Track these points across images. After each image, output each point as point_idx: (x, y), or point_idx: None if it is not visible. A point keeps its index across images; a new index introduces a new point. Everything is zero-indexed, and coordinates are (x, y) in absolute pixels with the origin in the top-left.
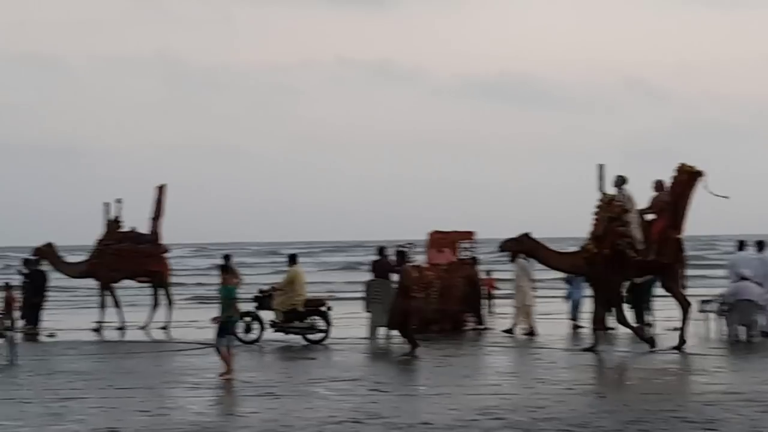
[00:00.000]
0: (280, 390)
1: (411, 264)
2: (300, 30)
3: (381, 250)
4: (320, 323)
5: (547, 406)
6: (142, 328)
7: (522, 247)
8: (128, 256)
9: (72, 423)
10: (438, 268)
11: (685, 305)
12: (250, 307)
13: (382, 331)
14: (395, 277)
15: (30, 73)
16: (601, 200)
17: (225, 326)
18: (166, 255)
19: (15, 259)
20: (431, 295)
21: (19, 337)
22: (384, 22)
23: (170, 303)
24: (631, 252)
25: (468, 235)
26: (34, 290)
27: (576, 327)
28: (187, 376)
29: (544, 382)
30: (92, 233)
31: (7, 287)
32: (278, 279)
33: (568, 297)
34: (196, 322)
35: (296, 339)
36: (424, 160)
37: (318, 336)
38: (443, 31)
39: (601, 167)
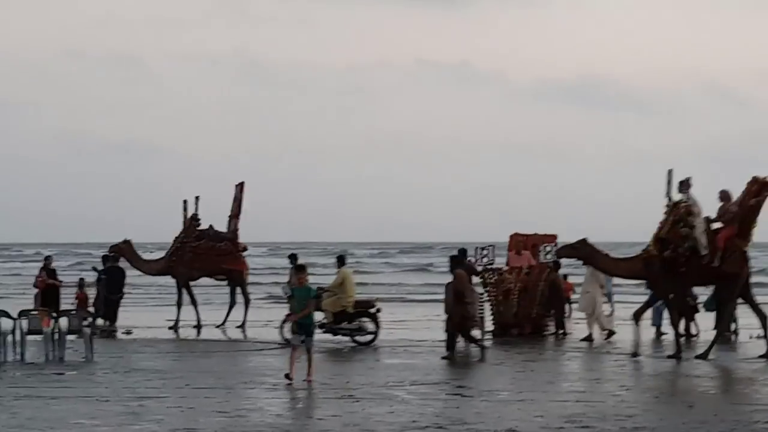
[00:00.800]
0: (360, 393)
1: (478, 267)
2: (378, 30)
3: (461, 253)
4: (369, 325)
5: (634, 414)
6: (219, 326)
7: (579, 254)
8: (206, 254)
9: (150, 423)
10: (519, 272)
11: (761, 316)
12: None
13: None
14: (475, 279)
15: (112, 72)
16: (667, 205)
17: (303, 326)
18: (244, 253)
19: (93, 257)
20: (511, 299)
21: (95, 334)
22: (463, 24)
23: (247, 302)
24: (694, 257)
25: (550, 238)
26: (112, 287)
27: (659, 333)
28: (265, 376)
29: (629, 389)
30: (171, 231)
31: (81, 284)
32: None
33: (649, 303)
34: (272, 321)
35: (344, 340)
36: (502, 164)
37: (367, 338)
38: (522, 34)
39: (669, 172)
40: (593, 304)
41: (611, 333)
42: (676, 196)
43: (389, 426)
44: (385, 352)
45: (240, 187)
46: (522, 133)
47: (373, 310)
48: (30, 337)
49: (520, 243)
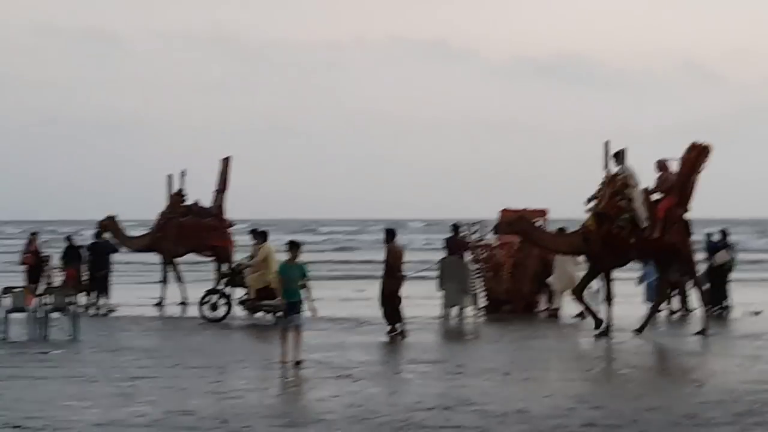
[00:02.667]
0: (358, 372)
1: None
2: (354, 7)
3: (455, 228)
4: None
5: (645, 394)
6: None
7: (516, 230)
8: (191, 230)
9: (143, 405)
10: (510, 247)
11: (699, 291)
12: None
13: (455, 310)
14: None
15: (89, 49)
16: (604, 177)
17: (292, 305)
18: (230, 230)
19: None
20: (502, 275)
21: (80, 311)
22: (438, 0)
23: None
24: (634, 229)
25: (540, 213)
26: (97, 263)
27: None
28: (257, 354)
29: (635, 368)
30: (150, 207)
31: (65, 260)
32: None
33: (642, 279)
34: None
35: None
36: (478, 141)
37: None
38: (497, 11)
39: (606, 144)
40: (572, 281)
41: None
42: (613, 169)
43: (393, 407)
44: (379, 330)
45: (226, 161)
46: (497, 109)
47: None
48: (13, 316)
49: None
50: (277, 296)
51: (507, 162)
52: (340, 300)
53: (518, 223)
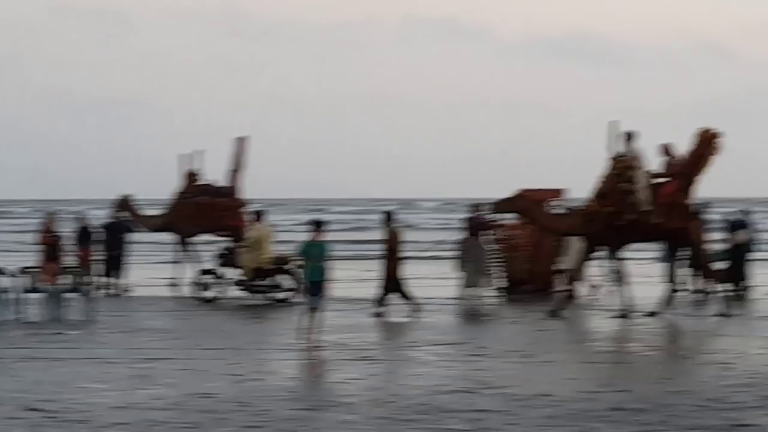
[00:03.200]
0: (378, 354)
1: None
2: None
3: (474, 208)
4: (287, 282)
5: (670, 377)
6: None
7: (515, 207)
8: (206, 210)
9: (162, 387)
10: (529, 227)
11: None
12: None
13: (474, 291)
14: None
15: (97, 27)
16: (610, 158)
17: (316, 284)
18: (245, 209)
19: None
20: (520, 254)
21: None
22: None
23: None
24: (635, 212)
25: (557, 193)
26: (114, 242)
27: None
28: (275, 336)
29: (658, 350)
30: (160, 186)
31: (80, 241)
32: None
33: (661, 259)
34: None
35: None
36: (489, 119)
37: (284, 295)
38: None
39: (611, 125)
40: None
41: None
42: (620, 150)
43: (415, 389)
44: (395, 310)
45: (242, 141)
46: (509, 87)
47: (289, 267)
48: (28, 296)
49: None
50: (270, 276)
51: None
52: (355, 281)
53: (517, 201)
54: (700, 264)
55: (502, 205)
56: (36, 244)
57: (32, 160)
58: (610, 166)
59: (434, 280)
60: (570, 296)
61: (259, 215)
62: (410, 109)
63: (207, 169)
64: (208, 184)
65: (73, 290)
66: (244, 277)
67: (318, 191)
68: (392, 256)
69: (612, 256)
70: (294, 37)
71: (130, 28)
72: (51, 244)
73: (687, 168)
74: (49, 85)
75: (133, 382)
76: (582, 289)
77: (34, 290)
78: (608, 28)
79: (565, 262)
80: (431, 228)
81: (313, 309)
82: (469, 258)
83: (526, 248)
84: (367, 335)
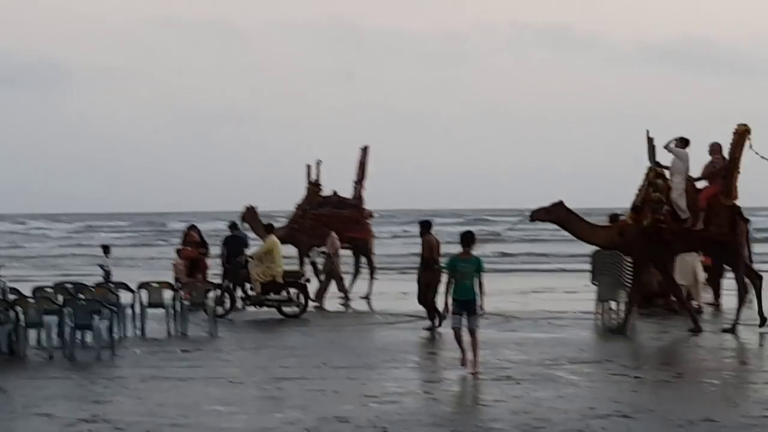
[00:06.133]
0: (518, 373)
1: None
2: None
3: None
4: (299, 296)
5: None
6: (343, 298)
7: (552, 217)
8: (329, 222)
9: (293, 409)
10: None
11: (755, 280)
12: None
13: (609, 305)
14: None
15: (206, 39)
16: (645, 168)
17: (464, 303)
18: (370, 220)
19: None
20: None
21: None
22: None
23: (372, 272)
24: (675, 221)
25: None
26: (233, 256)
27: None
28: (406, 353)
29: None
30: (272, 198)
31: (200, 253)
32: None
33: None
34: (406, 293)
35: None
36: (602, 128)
37: (295, 310)
38: None
39: (648, 133)
40: (693, 272)
41: (700, 308)
42: (655, 159)
43: (564, 414)
44: (528, 325)
45: (364, 151)
46: (620, 96)
47: (302, 281)
48: (150, 311)
49: None
50: (281, 290)
51: (629, 151)
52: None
53: (554, 211)
54: (746, 271)
55: (539, 214)
56: (180, 257)
57: (145, 175)
58: (644, 177)
59: (566, 293)
60: (699, 311)
61: (270, 227)
62: (521, 118)
63: (330, 179)
64: (331, 196)
65: (196, 305)
66: (252, 292)
67: (426, 202)
68: (429, 266)
69: (658, 268)
70: (400, 48)
71: (238, 41)
72: (194, 258)
73: (724, 169)
74: (158, 96)
75: (263, 404)
76: (706, 304)
77: (154, 305)
78: (723, 35)
79: (681, 278)
80: (556, 239)
81: (465, 331)
82: (603, 270)
83: None
84: (502, 352)
